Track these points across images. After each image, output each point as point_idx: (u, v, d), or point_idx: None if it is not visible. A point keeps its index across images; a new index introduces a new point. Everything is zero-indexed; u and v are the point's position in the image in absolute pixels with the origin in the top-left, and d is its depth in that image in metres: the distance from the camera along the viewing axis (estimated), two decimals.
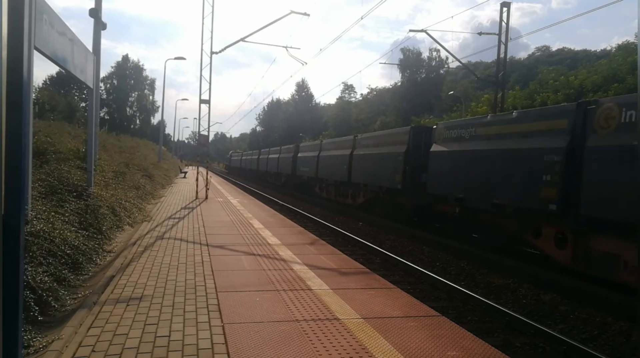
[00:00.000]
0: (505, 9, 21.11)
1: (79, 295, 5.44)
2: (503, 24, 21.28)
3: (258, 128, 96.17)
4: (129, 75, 63.51)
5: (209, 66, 23.69)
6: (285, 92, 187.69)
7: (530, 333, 5.96)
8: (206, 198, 17.86)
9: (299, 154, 29.19)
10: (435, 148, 13.10)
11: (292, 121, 74.14)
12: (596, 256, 7.98)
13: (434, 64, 57.76)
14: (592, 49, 75.38)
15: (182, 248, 8.00)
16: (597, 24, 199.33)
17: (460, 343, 4.05)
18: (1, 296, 1.89)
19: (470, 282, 8.76)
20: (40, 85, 48.46)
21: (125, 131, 44.11)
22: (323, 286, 5.73)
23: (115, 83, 62.45)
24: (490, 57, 42.80)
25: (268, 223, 11.63)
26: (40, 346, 3.87)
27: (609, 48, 62.78)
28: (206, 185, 18.71)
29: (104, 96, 58.38)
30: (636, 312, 4.98)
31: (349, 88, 79.61)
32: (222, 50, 18.34)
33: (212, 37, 17.29)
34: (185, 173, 36.86)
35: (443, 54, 55.03)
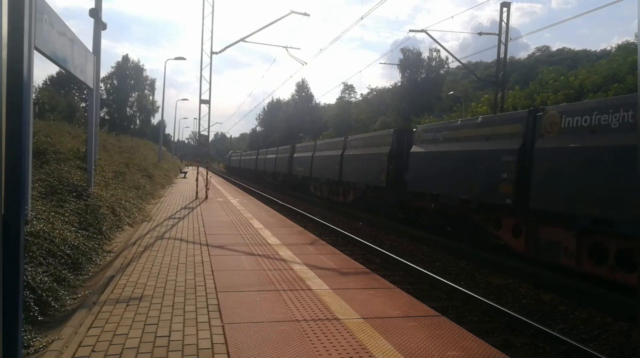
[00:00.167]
0: (505, 9, 21.11)
1: (79, 295, 5.44)
2: (503, 24, 21.28)
3: (258, 128, 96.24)
4: (129, 75, 63.51)
5: (209, 66, 23.71)
6: (285, 93, 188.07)
7: (530, 333, 5.96)
8: (206, 198, 17.86)
9: (295, 155, 30.27)
10: (414, 149, 14.36)
11: (292, 121, 74.14)
12: (543, 243, 9.15)
13: (434, 64, 57.78)
14: (592, 49, 75.49)
15: (182, 248, 8.00)
16: (597, 24, 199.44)
17: (460, 343, 4.05)
18: (1, 296, 1.89)
19: (470, 282, 8.76)
20: (40, 85, 48.50)
21: (125, 131, 44.12)
22: (323, 286, 5.74)
23: (116, 83, 62.45)
24: (490, 57, 42.86)
25: (268, 223, 11.63)
26: (40, 346, 3.87)
27: (609, 48, 62.85)
28: (206, 185, 18.72)
29: (104, 96, 58.37)
30: (636, 312, 4.99)
31: (349, 88, 79.72)
32: (222, 50, 18.36)
33: (212, 37, 17.32)
34: (185, 173, 36.88)
35: (443, 54, 55.17)
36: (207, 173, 19.23)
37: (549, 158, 8.91)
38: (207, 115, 19.27)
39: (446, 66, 53.66)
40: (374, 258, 10.45)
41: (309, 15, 18.92)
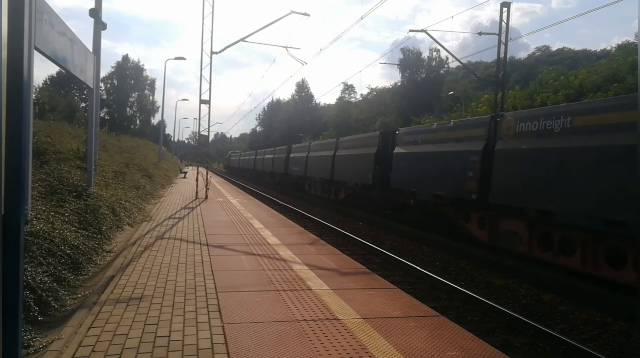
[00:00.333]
0: (505, 9, 21.11)
1: (79, 295, 5.44)
2: (503, 24, 21.28)
3: (258, 128, 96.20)
4: (129, 75, 63.46)
5: (209, 66, 23.71)
6: (285, 93, 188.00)
7: (530, 333, 5.96)
8: (206, 198, 17.86)
9: (291, 155, 31.40)
10: (396, 150, 15.56)
11: (292, 121, 74.12)
12: (503, 234, 10.34)
13: (434, 64, 57.74)
14: (592, 49, 75.42)
15: (182, 248, 8.00)
16: (597, 24, 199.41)
17: (460, 343, 4.05)
18: (1, 296, 1.89)
19: (470, 282, 8.76)
20: (41, 85, 48.45)
21: (125, 131, 44.12)
22: (323, 286, 5.73)
23: (116, 83, 62.40)
24: (490, 57, 42.87)
25: (268, 223, 11.63)
26: (40, 346, 3.87)
27: (609, 48, 62.81)
28: (206, 185, 18.72)
29: (104, 96, 58.33)
30: (636, 312, 4.99)
31: (349, 88, 79.67)
32: (222, 50, 18.35)
33: (212, 37, 17.31)
34: (185, 173, 36.88)
35: (443, 54, 55.13)
36: (207, 173, 19.23)
37: (506, 158, 10.06)
38: (207, 115, 19.28)
39: (446, 66, 53.66)
40: (374, 258, 10.45)
41: (309, 15, 18.94)
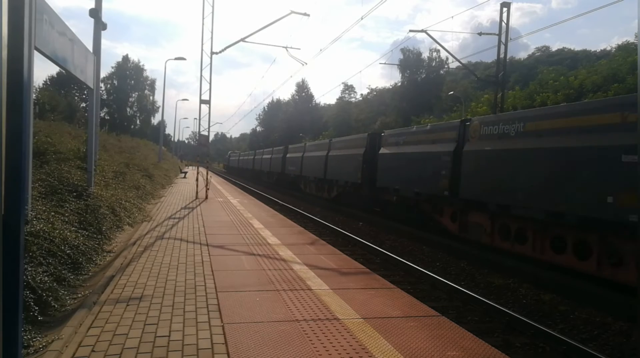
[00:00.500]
0: (505, 9, 21.08)
1: (79, 295, 5.44)
2: (503, 24, 21.25)
3: (258, 128, 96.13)
4: (129, 75, 63.37)
5: (209, 66, 23.67)
6: (285, 93, 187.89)
7: (530, 333, 5.96)
8: (206, 198, 17.86)
9: (288, 155, 32.64)
10: (382, 150, 16.87)
11: (292, 121, 74.08)
12: (471, 226, 11.56)
13: (434, 64, 57.70)
14: (592, 49, 75.41)
15: (182, 248, 8.00)
16: (597, 24, 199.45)
17: (460, 343, 4.05)
18: (1, 296, 1.89)
19: (470, 282, 8.75)
20: (41, 85, 48.38)
21: (125, 131, 44.08)
22: (323, 286, 5.73)
23: (116, 83, 62.33)
24: (490, 57, 42.85)
25: (268, 223, 11.63)
26: (40, 346, 3.87)
27: (609, 48, 62.84)
28: (206, 185, 18.72)
29: (104, 96, 58.26)
30: (636, 312, 4.99)
31: (349, 88, 79.62)
32: (222, 50, 18.33)
33: (212, 37, 17.30)
34: (186, 173, 36.89)
35: (443, 54, 55.09)
36: (207, 173, 19.23)
37: (472, 158, 11.32)
38: (207, 115, 19.26)
39: (446, 66, 53.58)
40: (374, 258, 10.45)
41: (309, 15, 18.91)
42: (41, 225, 6.04)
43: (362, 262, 8.30)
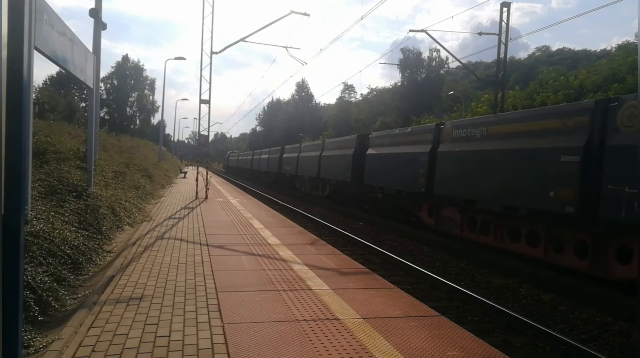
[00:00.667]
0: (505, 9, 21.07)
1: (79, 295, 5.43)
2: (503, 24, 21.24)
3: (258, 128, 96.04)
4: (129, 75, 63.34)
5: (209, 66, 23.69)
6: (285, 92, 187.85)
7: (530, 333, 5.96)
8: (206, 198, 17.86)
9: (284, 155, 33.68)
10: (369, 151, 18.00)
11: (292, 121, 74.05)
12: (444, 219, 12.74)
13: (434, 64, 57.68)
14: (592, 49, 75.41)
15: (182, 248, 8.00)
16: (597, 24, 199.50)
17: (460, 343, 4.05)
18: (1, 296, 1.88)
19: (470, 282, 8.75)
20: (40, 85, 48.38)
21: (125, 131, 44.09)
22: (323, 286, 5.73)
23: (115, 83, 62.30)
24: (490, 57, 42.85)
25: (268, 223, 11.63)
26: (40, 346, 3.87)
27: (609, 48, 62.84)
28: (206, 185, 18.71)
29: (104, 96, 58.22)
30: (636, 312, 4.99)
31: (349, 88, 79.61)
32: (222, 50, 18.34)
33: (212, 37, 17.30)
34: (185, 173, 36.88)
35: (443, 54, 55.02)
36: (207, 173, 19.22)
37: (444, 158, 12.44)
38: (207, 115, 19.23)
39: (446, 66, 53.60)
40: (374, 258, 10.45)
41: (309, 15, 18.92)
42: (41, 225, 6.04)
43: (362, 262, 8.30)
